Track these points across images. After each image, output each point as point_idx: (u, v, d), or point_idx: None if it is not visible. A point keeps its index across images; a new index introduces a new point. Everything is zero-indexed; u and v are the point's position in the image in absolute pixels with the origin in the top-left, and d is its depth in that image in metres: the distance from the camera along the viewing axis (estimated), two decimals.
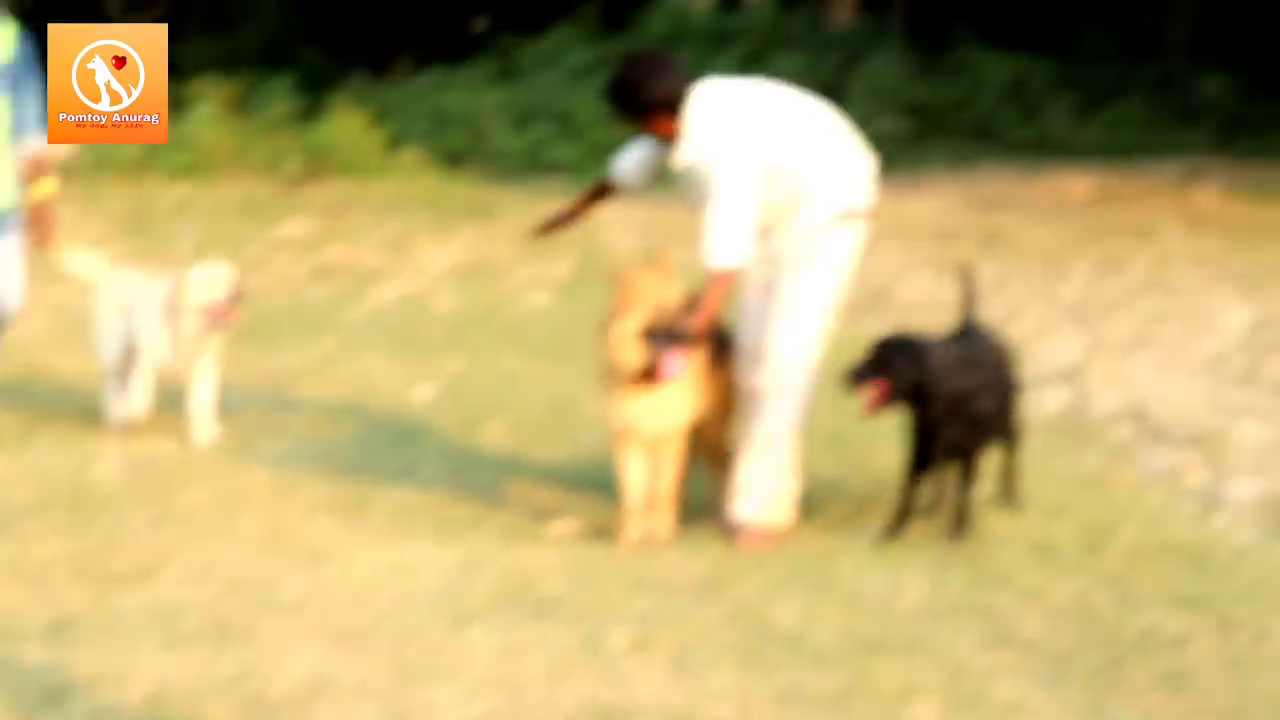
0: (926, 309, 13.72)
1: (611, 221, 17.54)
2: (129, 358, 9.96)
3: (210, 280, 9.62)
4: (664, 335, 7.77)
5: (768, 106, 8.06)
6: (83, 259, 10.23)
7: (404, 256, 16.73)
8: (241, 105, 21.75)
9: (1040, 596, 7.33)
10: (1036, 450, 9.02)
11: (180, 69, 20.85)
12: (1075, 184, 19.04)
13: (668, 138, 8.05)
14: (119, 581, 7.52)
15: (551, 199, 18.59)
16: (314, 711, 6.17)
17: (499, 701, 6.25)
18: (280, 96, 22.13)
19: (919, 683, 6.42)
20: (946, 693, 6.34)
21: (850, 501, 8.72)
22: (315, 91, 22.67)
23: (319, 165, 20.75)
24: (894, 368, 7.85)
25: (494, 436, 10.15)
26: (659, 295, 7.83)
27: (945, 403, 7.87)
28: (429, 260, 16.50)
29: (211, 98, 21.27)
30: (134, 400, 10.03)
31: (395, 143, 21.54)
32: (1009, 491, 8.52)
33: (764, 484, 8.14)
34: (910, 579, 7.53)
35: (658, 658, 6.66)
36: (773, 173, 7.92)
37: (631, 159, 8.46)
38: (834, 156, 8.07)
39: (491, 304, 14.53)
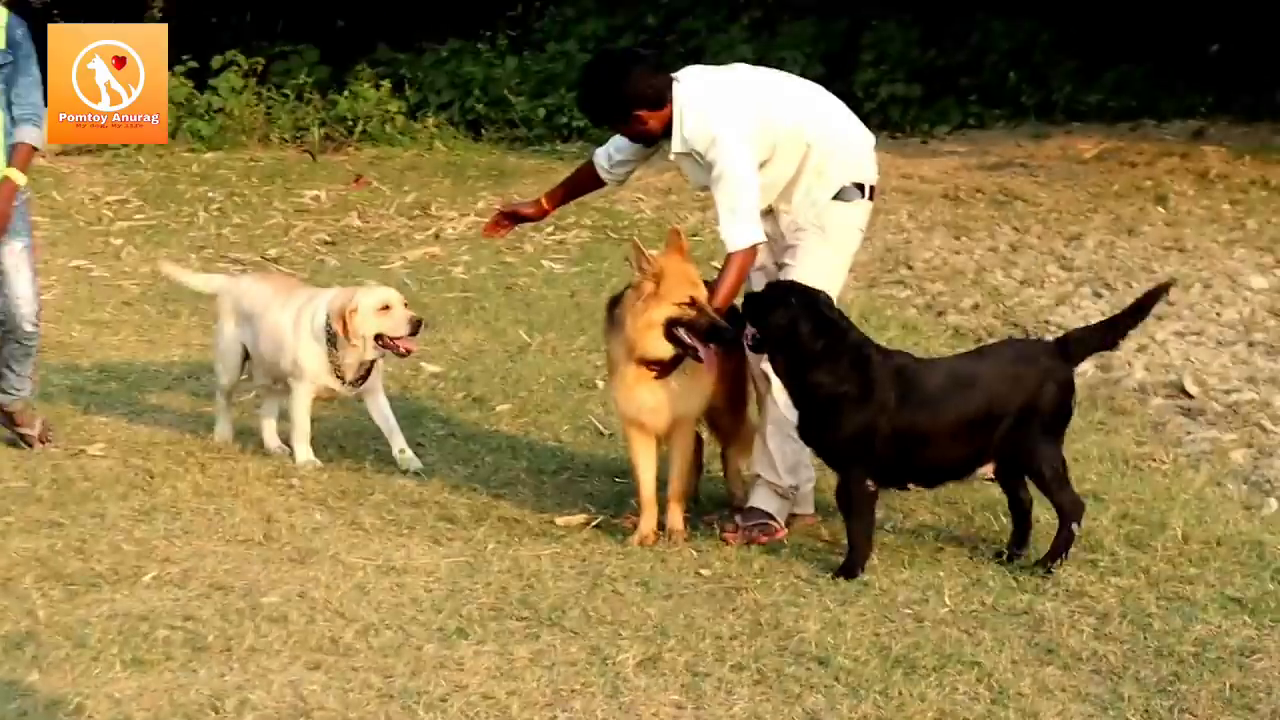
0: (943, 272, 12.64)
1: (628, 187, 16.45)
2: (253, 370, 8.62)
3: (384, 305, 8.06)
4: (701, 331, 6.77)
5: (758, 87, 7.10)
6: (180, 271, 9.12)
7: (423, 223, 15.64)
8: (266, 76, 20.66)
9: (1086, 600, 6.22)
10: (1071, 427, 7.88)
11: (208, 40, 19.97)
12: (1083, 145, 17.84)
13: (653, 134, 7.10)
14: (90, 586, 6.47)
15: (568, 163, 17.61)
16: None
17: None
18: (304, 67, 21.00)
19: (958, 708, 5.33)
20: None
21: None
22: (338, 63, 21.54)
23: (341, 134, 19.72)
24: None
25: (502, 417, 9.06)
26: (689, 286, 6.81)
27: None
28: (447, 227, 15.40)
29: (237, 69, 20.19)
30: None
31: (416, 111, 20.51)
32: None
33: (781, 471, 7.06)
34: (944, 581, 6.42)
35: (669, 677, 5.59)
36: (772, 149, 6.96)
37: (615, 153, 7.48)
38: (833, 131, 7.10)
39: (507, 271, 13.41)
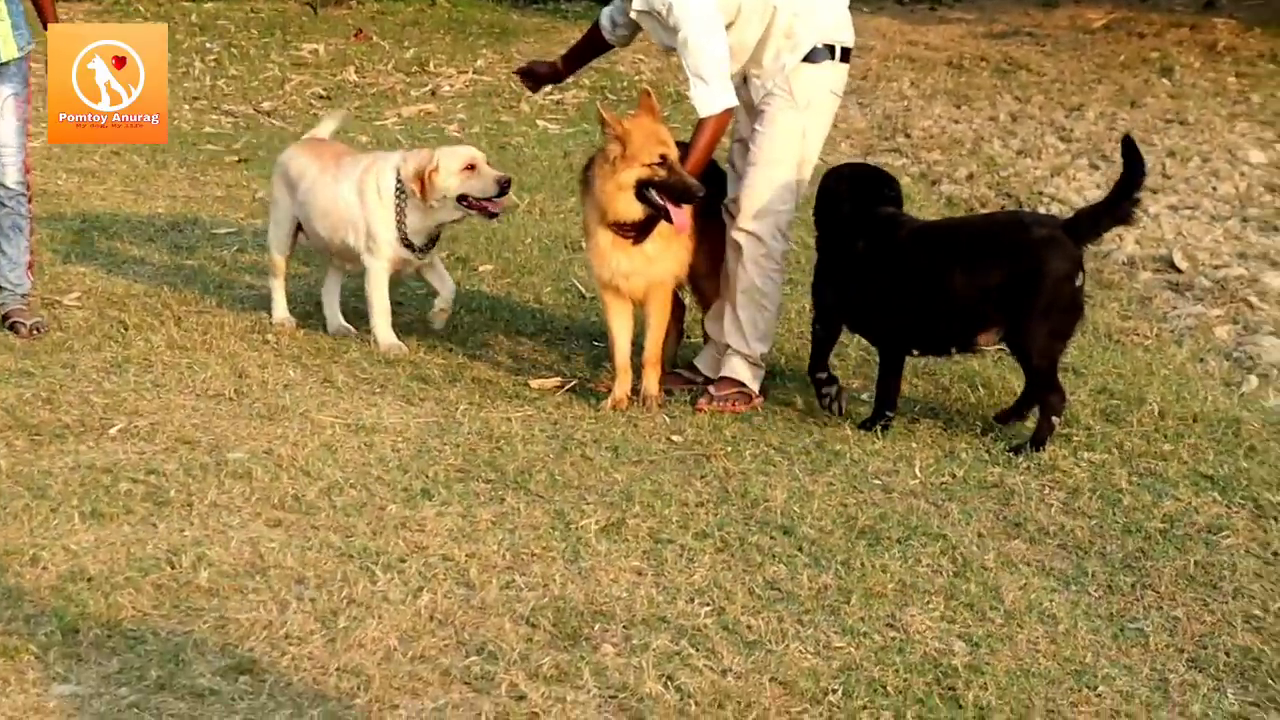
0: (940, 141, 12.47)
1: (630, 49, 16.25)
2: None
3: (469, 164, 7.52)
4: (671, 191, 6.63)
5: None
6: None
7: (420, 80, 15.45)
8: None
9: (1057, 475, 6.14)
10: None
11: None
12: (1092, 15, 17.57)
13: None
14: (55, 437, 6.41)
15: (572, 23, 17.38)
16: (240, 602, 5.06)
17: (450, 596, 5.13)
18: None
19: (919, 580, 5.27)
20: (949, 593, 5.19)
21: (848, 364, 7.53)
22: None
23: None
24: None
25: (484, 278, 8.95)
26: (659, 145, 6.66)
27: None
28: (444, 84, 15.21)
29: None
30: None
31: None
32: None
33: (751, 340, 6.96)
34: (915, 453, 6.35)
35: (631, 543, 5.52)
36: (736, 11, 6.78)
37: (617, 16, 7.28)
38: None
39: (501, 130, 13.25)
